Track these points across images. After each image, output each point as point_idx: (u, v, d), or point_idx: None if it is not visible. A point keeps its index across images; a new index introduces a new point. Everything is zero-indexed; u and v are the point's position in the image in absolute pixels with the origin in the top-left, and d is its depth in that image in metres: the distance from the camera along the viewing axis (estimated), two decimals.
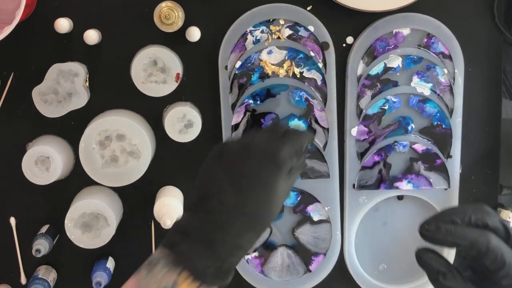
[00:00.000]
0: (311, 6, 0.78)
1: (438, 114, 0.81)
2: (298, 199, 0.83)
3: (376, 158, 0.82)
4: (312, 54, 0.78)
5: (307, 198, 0.83)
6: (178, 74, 0.76)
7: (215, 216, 0.55)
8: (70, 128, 0.80)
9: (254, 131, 0.62)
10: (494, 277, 0.56)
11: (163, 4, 0.75)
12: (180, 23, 0.76)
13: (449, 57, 0.80)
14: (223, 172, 0.57)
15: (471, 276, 0.58)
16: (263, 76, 0.79)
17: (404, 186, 0.83)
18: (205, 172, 0.59)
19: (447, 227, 0.56)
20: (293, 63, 0.79)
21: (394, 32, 0.79)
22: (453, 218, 0.57)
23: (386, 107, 0.81)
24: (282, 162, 0.57)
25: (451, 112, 0.81)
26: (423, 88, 0.80)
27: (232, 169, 0.57)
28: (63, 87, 0.76)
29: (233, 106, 0.79)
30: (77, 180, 0.81)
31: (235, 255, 0.55)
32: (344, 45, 0.80)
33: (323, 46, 0.79)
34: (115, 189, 0.82)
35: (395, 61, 0.79)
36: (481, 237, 0.55)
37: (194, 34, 0.76)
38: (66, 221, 0.77)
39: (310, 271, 0.84)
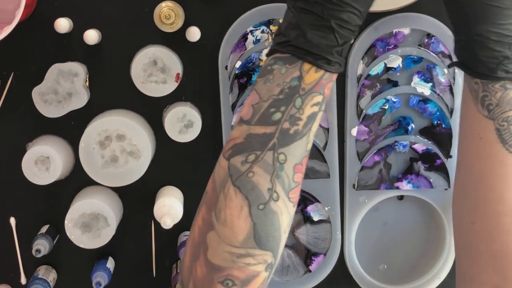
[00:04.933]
0: None
1: (438, 114, 0.81)
2: (298, 199, 0.83)
3: (376, 158, 0.82)
4: None
5: (307, 198, 0.83)
6: (178, 74, 0.76)
7: (325, 5, 0.50)
8: (70, 128, 0.80)
9: None
10: None
11: (163, 4, 0.75)
12: (180, 23, 0.76)
13: (449, 57, 0.80)
14: None
15: None
16: None
17: (404, 186, 0.83)
18: None
19: None
20: None
21: (394, 32, 0.79)
22: None
23: (386, 107, 0.81)
24: None
25: (451, 112, 0.81)
26: (423, 88, 0.80)
27: None
28: (63, 87, 0.76)
29: (233, 106, 0.79)
30: (77, 180, 0.81)
31: (349, 35, 0.52)
32: None
33: None
34: (115, 189, 0.82)
35: (395, 61, 0.79)
36: None
37: (194, 34, 0.76)
38: (66, 221, 0.77)
39: (310, 271, 0.84)
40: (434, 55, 0.79)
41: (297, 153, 0.51)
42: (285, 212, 0.51)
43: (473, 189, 0.58)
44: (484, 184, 0.57)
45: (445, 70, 0.80)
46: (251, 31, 0.78)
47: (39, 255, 0.77)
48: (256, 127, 0.51)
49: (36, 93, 0.76)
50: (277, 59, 0.52)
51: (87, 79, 0.78)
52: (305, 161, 0.52)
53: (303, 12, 0.51)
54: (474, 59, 0.56)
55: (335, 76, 0.53)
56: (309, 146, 0.52)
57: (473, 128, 0.58)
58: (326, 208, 0.83)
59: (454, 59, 0.61)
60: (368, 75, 0.80)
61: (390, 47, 0.79)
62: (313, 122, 0.52)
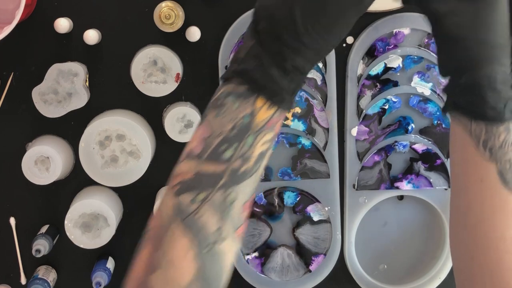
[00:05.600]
0: None
1: (438, 114, 0.81)
2: (298, 199, 0.83)
3: (376, 158, 0.82)
4: None
5: (307, 198, 0.83)
6: (178, 74, 0.76)
7: (282, 46, 0.49)
8: (70, 128, 0.80)
9: None
10: None
11: (163, 4, 0.75)
12: (180, 23, 0.76)
13: None
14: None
15: None
16: None
17: (404, 186, 0.83)
18: None
19: None
20: None
21: (394, 32, 0.79)
22: None
23: (386, 107, 0.81)
24: (369, 3, 0.51)
25: None
26: (423, 88, 0.80)
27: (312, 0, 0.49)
28: (63, 87, 0.76)
29: None
30: (77, 180, 0.81)
31: (300, 84, 0.51)
32: (344, 45, 0.80)
33: None
34: (115, 189, 0.82)
35: (395, 61, 0.79)
36: None
37: (194, 34, 0.76)
38: (66, 221, 0.77)
39: (310, 271, 0.84)
40: (434, 55, 0.79)
41: (246, 191, 0.50)
42: (231, 251, 0.50)
43: (473, 227, 0.56)
44: (485, 224, 0.56)
45: None
46: None
47: (39, 255, 0.77)
48: (206, 164, 0.50)
49: (36, 93, 0.76)
50: (231, 91, 0.51)
51: (87, 79, 0.78)
52: (253, 197, 0.52)
53: (262, 45, 0.50)
54: (480, 102, 0.53)
55: (285, 113, 0.52)
56: (257, 182, 0.52)
57: (472, 171, 0.56)
58: (326, 208, 0.83)
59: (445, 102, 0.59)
60: (368, 75, 0.80)
61: (390, 47, 0.79)
62: (263, 159, 0.51)
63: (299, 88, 0.52)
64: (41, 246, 0.77)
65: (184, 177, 0.51)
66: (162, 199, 0.52)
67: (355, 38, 0.80)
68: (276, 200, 0.83)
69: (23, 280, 0.83)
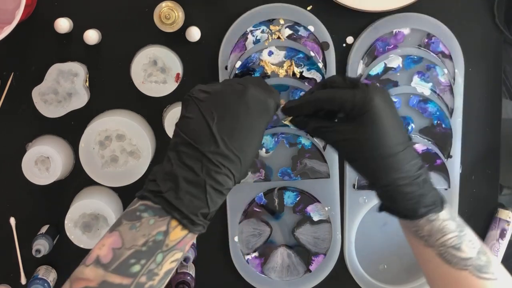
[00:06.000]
0: (311, 6, 0.78)
1: (438, 114, 0.81)
2: (298, 199, 0.83)
3: None
4: (312, 54, 0.78)
5: (307, 198, 0.83)
6: (178, 74, 0.77)
7: (204, 163, 0.53)
8: (70, 128, 0.80)
9: (237, 80, 0.61)
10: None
11: (163, 4, 0.75)
12: (180, 23, 0.76)
13: (449, 57, 0.80)
14: (215, 117, 0.55)
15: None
16: (263, 76, 0.79)
17: None
18: (193, 114, 0.56)
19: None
20: (293, 63, 0.79)
21: (394, 32, 0.79)
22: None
23: None
24: (273, 112, 0.59)
25: (451, 112, 0.81)
26: (423, 88, 0.80)
27: (226, 116, 0.55)
28: (63, 87, 0.76)
29: None
30: (77, 180, 0.81)
31: (218, 204, 0.55)
32: (344, 45, 0.80)
33: (323, 46, 0.79)
34: (115, 189, 0.82)
35: (395, 61, 0.79)
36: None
37: (194, 34, 0.76)
38: (66, 221, 0.77)
39: (310, 271, 0.84)
40: (434, 55, 0.79)
41: None
42: None
43: None
44: None
45: (445, 70, 0.80)
46: (251, 31, 0.78)
47: (39, 255, 0.77)
48: (113, 275, 0.51)
49: (36, 93, 0.76)
50: (147, 207, 0.53)
51: (87, 79, 0.78)
52: None
53: (182, 166, 0.54)
54: (395, 206, 0.61)
55: (197, 235, 0.55)
56: None
57: (420, 253, 0.63)
58: (326, 208, 0.83)
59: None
60: (368, 75, 0.80)
61: (390, 47, 0.79)
62: (168, 276, 0.54)
63: (215, 210, 0.55)
64: (41, 246, 0.77)
65: (88, 284, 0.51)
66: None
67: (355, 38, 0.80)
68: (276, 200, 0.83)
69: (23, 280, 0.83)
